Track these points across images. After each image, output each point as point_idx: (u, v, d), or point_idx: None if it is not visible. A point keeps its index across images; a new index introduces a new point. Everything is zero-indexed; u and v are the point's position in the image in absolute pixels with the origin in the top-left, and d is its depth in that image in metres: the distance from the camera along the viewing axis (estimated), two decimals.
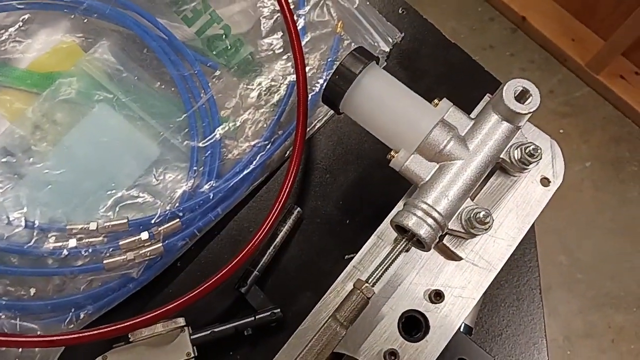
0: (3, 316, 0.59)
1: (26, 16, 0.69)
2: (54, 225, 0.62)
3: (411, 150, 0.53)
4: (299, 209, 0.68)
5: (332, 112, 0.73)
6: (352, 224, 0.71)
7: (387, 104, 0.55)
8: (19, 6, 0.68)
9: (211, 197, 0.66)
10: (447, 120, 0.54)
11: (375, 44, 0.76)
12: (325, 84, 0.72)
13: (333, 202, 0.72)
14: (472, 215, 0.51)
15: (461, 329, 0.58)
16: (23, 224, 0.61)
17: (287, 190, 0.64)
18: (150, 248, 0.62)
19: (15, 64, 0.68)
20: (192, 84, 0.69)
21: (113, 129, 0.68)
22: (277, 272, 0.68)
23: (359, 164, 0.74)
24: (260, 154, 0.69)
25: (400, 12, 0.81)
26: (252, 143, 0.70)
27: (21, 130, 0.66)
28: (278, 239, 0.66)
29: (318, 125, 0.74)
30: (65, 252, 0.61)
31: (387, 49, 0.77)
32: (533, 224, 0.58)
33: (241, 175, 0.68)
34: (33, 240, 0.61)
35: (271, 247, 0.66)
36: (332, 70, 0.72)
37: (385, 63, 0.78)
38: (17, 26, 0.68)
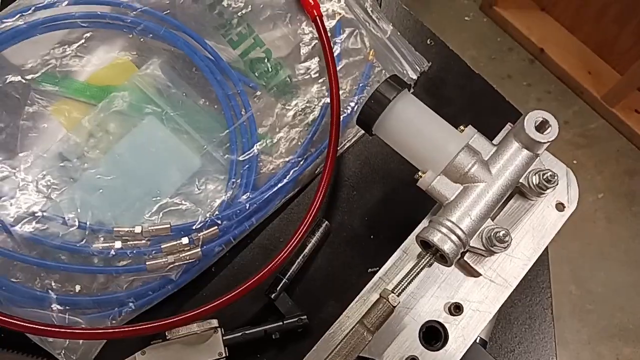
0: (55, 309, 0.61)
1: (88, 34, 0.73)
2: (103, 226, 0.65)
3: (438, 172, 0.56)
4: (327, 222, 0.70)
5: (361, 133, 0.77)
6: (375, 240, 0.73)
7: (417, 128, 0.58)
8: (82, 24, 0.72)
9: (247, 208, 0.68)
10: (472, 146, 0.56)
11: (404, 71, 0.79)
12: (356, 107, 0.76)
13: (359, 218, 0.74)
14: (492, 234, 0.54)
15: (477, 342, 0.61)
16: (77, 224, 0.64)
17: (318, 204, 0.66)
18: (190, 252, 0.65)
19: (76, 76, 0.72)
20: (235, 102, 0.73)
21: (160, 141, 0.71)
22: (304, 281, 0.70)
23: (384, 184, 0.76)
24: (293, 170, 0.72)
25: (428, 42, 0.84)
26: (286, 159, 0.73)
27: (77, 137, 0.69)
28: (307, 250, 0.68)
29: (347, 145, 0.77)
30: (112, 252, 0.64)
31: (415, 77, 0.80)
32: (547, 247, 0.60)
33: (275, 189, 0.70)
34: (84, 240, 0.64)
35: (300, 257, 0.68)
36: (363, 95, 0.77)
37: (413, 90, 0.80)
38: (79, 42, 0.72)
